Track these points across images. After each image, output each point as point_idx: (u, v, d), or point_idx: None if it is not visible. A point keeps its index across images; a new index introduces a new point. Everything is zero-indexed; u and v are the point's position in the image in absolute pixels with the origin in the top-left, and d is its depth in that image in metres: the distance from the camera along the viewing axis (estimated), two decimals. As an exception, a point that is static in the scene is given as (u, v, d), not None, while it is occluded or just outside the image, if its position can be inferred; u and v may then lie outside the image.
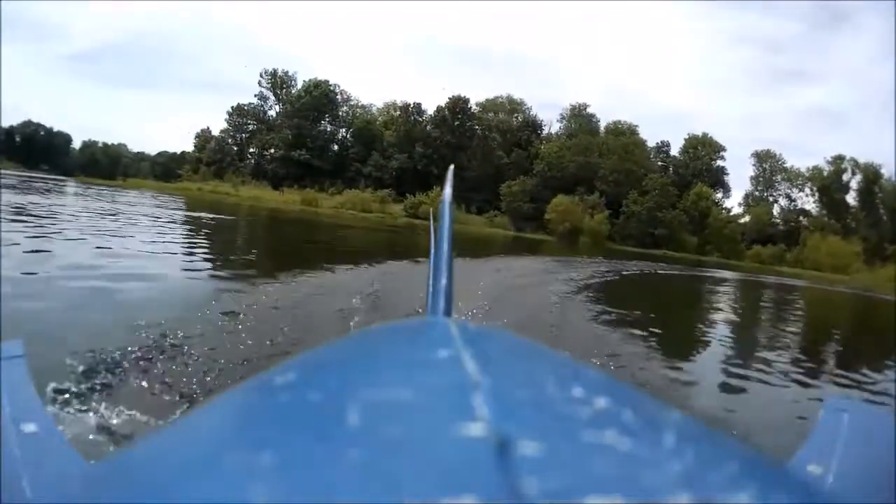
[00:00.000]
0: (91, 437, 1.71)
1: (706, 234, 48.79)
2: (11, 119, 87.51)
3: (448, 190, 1.57)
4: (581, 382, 0.45)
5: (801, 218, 55.33)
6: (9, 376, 0.69)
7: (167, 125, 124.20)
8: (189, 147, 62.94)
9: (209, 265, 7.13)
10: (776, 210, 57.15)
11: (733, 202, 60.05)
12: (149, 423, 2.01)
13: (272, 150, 55.95)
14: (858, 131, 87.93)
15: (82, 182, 43.18)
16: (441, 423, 0.32)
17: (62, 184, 35.22)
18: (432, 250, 1.45)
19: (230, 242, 11.66)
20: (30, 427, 0.61)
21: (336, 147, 56.77)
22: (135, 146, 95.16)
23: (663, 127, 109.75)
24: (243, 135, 58.85)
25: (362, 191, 49.29)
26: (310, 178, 51.79)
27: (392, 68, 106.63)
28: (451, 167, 1.77)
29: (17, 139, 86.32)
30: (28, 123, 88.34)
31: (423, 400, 0.37)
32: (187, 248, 8.94)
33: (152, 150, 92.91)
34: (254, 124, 58.34)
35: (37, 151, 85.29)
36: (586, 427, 0.34)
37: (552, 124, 57.85)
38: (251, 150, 58.51)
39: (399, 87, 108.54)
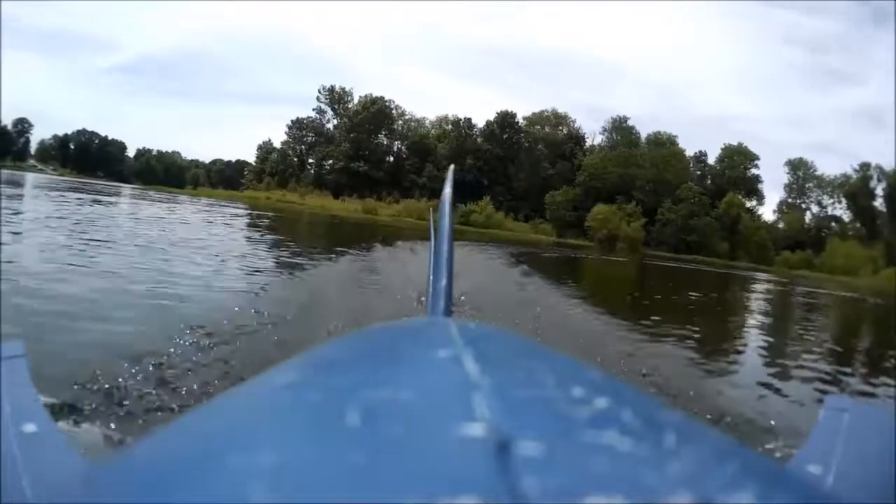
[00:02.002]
0: (91, 437, 1.75)
1: (737, 240, 54.65)
2: (65, 129, 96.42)
3: (448, 190, 1.73)
4: (581, 382, 0.46)
5: (833, 224, 60.67)
6: (9, 376, 0.71)
7: (218, 134, 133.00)
8: (241, 155, 70.49)
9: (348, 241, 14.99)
10: (808, 216, 62.71)
11: (772, 207, 65.11)
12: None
13: (331, 162, 63.31)
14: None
15: (156, 190, 50.00)
16: (441, 423, 0.33)
17: (136, 190, 42.19)
18: (432, 250, 1.59)
19: (347, 232, 22.25)
20: (30, 427, 0.62)
21: (392, 159, 63.88)
22: (187, 154, 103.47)
23: (709, 129, 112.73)
24: (303, 146, 66.44)
25: (417, 200, 56.17)
26: (368, 188, 58.97)
27: (441, 75, 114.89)
28: (451, 167, 1.97)
29: (72, 147, 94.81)
30: (82, 132, 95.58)
31: (424, 400, 0.39)
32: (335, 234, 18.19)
33: (205, 158, 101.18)
34: (312, 137, 65.90)
35: (91, 159, 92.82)
36: (586, 427, 0.35)
37: (595, 136, 64.09)
38: (310, 160, 66.04)
39: (449, 96, 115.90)
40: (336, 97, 65.96)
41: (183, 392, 2.45)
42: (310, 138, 66.11)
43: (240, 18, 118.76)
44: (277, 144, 67.06)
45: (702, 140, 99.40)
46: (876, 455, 0.75)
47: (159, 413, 2.20)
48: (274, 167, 64.47)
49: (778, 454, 2.19)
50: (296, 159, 66.02)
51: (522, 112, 63.09)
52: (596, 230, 51.64)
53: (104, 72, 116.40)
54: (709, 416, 2.81)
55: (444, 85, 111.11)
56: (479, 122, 62.17)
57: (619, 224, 51.80)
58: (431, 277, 1.41)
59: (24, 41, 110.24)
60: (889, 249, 50.85)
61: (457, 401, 0.37)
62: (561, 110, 63.96)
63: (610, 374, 0.50)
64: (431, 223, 1.97)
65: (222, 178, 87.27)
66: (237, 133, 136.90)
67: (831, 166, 61.84)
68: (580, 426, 0.35)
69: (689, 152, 61.69)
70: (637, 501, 0.27)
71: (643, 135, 62.01)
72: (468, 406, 0.35)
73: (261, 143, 68.66)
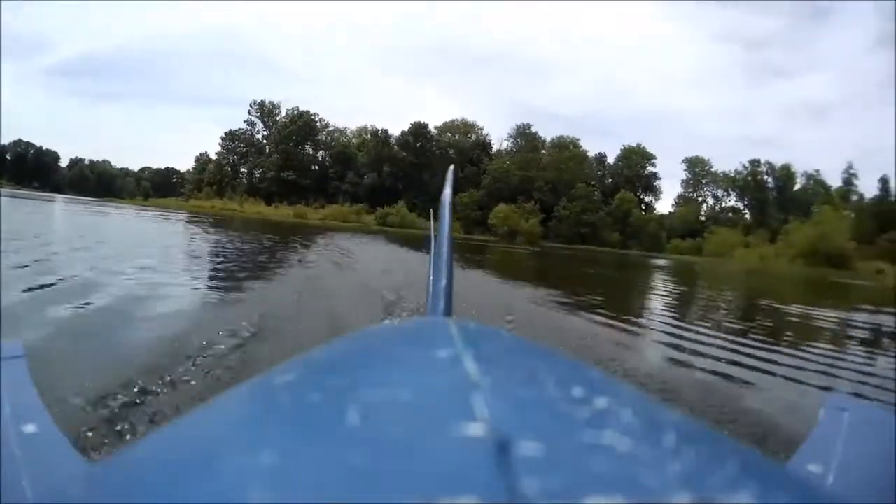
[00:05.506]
0: (91, 437, 1.79)
1: (628, 231, 65.45)
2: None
3: (448, 191, 1.75)
4: (581, 382, 0.48)
5: (729, 214, 71.63)
6: (9, 376, 0.74)
7: (146, 140, 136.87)
8: (169, 162, 77.98)
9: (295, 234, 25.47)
10: (705, 208, 73.71)
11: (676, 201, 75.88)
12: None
13: (262, 171, 72.30)
14: (842, 124, 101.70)
15: (111, 201, 57.98)
16: (441, 424, 0.35)
17: (101, 204, 48.45)
18: (432, 251, 1.60)
19: (289, 230, 30.78)
20: (30, 427, 0.64)
21: (317, 167, 73.39)
22: (116, 162, 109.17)
23: (646, 125, 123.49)
24: (235, 157, 75.17)
25: (341, 205, 65.86)
26: (297, 195, 68.23)
27: (379, 75, 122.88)
28: (451, 167, 1.97)
29: (8, 157, 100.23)
30: (18, 143, 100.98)
31: (424, 400, 0.41)
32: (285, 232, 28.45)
33: (133, 165, 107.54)
34: (244, 147, 74.70)
35: (27, 169, 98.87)
36: (586, 427, 0.37)
37: (502, 142, 74.48)
38: (243, 170, 74.89)
39: (384, 96, 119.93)
40: (265, 111, 75.18)
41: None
42: (242, 149, 74.98)
43: (161, 19, 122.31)
44: (212, 154, 75.92)
45: (645, 136, 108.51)
46: (876, 454, 0.78)
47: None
48: (211, 177, 73.19)
49: (778, 454, 2.28)
50: (230, 169, 74.64)
51: (462, 113, 72.31)
52: (498, 227, 61.84)
53: (32, 74, 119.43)
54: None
55: (374, 84, 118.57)
56: (412, 123, 71.70)
57: (519, 221, 62.08)
58: (431, 278, 1.47)
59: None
60: (772, 234, 61.46)
61: (456, 401, 0.38)
62: (490, 112, 74.01)
63: (610, 373, 0.52)
64: (432, 224, 2.03)
65: (153, 186, 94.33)
66: (163, 139, 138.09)
67: (772, 160, 70.88)
68: (580, 426, 0.37)
69: (595, 152, 72.45)
70: (637, 501, 0.28)
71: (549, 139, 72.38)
72: (468, 406, 0.36)
73: (198, 154, 77.52)
